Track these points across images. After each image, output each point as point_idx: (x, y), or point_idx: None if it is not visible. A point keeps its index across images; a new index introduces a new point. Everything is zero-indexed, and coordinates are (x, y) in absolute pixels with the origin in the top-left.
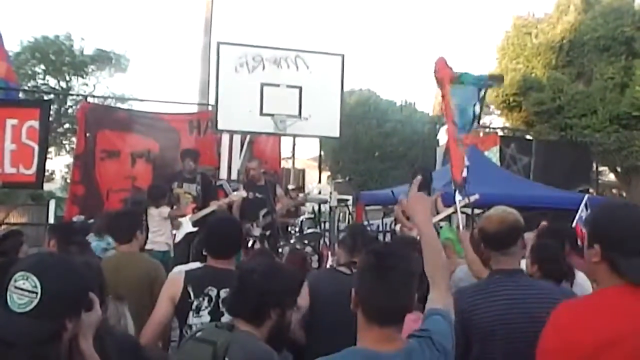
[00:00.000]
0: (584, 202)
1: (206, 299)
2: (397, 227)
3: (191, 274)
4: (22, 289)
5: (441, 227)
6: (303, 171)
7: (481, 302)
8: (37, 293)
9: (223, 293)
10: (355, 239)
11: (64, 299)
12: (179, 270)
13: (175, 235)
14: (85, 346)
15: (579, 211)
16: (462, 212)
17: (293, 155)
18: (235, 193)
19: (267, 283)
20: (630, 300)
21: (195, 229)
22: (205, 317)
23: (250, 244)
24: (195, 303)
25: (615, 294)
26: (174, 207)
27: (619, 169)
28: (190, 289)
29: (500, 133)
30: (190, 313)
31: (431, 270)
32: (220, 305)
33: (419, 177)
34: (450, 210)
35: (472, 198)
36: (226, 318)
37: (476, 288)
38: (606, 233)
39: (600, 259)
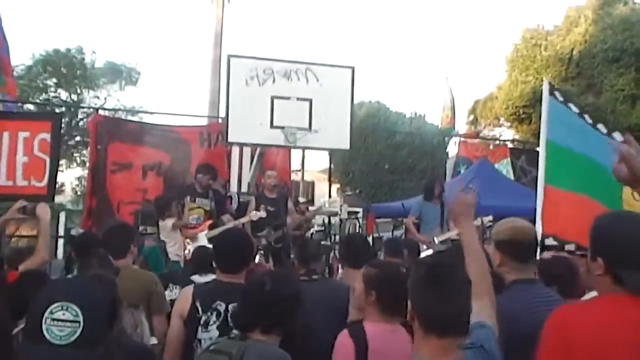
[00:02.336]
0: None
1: (214, 313)
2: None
3: (199, 289)
4: (62, 320)
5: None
6: (312, 183)
7: (521, 310)
8: (79, 322)
9: (232, 308)
10: (303, 250)
11: (104, 323)
12: (188, 286)
13: (189, 249)
14: None
15: None
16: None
17: (302, 167)
18: (254, 212)
19: (277, 295)
20: (629, 308)
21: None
22: (214, 331)
23: (258, 258)
24: (203, 318)
25: (615, 300)
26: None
27: None
28: (198, 304)
29: (510, 145)
30: (199, 328)
31: (474, 280)
32: (229, 320)
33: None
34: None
35: (486, 219)
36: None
37: (512, 295)
38: (609, 246)
39: (603, 272)
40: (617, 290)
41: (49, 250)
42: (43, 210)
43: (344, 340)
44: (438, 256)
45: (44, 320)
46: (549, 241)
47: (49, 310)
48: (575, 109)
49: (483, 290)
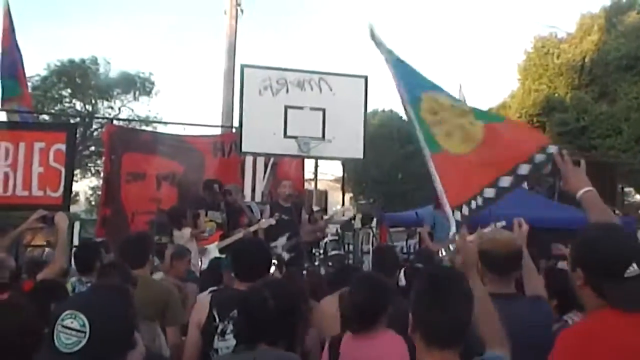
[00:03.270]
0: None
1: (231, 322)
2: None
3: (217, 297)
4: (70, 328)
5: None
6: (325, 193)
7: None
8: (85, 332)
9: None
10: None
11: (112, 339)
12: (205, 295)
13: (202, 261)
14: None
15: None
16: None
17: (315, 176)
18: (263, 220)
19: (282, 309)
20: (619, 325)
21: (222, 256)
22: (231, 340)
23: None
24: (220, 327)
25: (604, 319)
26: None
27: None
28: (215, 312)
29: None
30: (216, 337)
31: (484, 329)
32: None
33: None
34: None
35: (499, 225)
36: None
37: None
38: (588, 257)
39: (583, 282)
40: (598, 302)
41: (67, 258)
42: (61, 219)
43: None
44: (440, 268)
45: (56, 327)
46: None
47: (60, 317)
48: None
49: (498, 339)
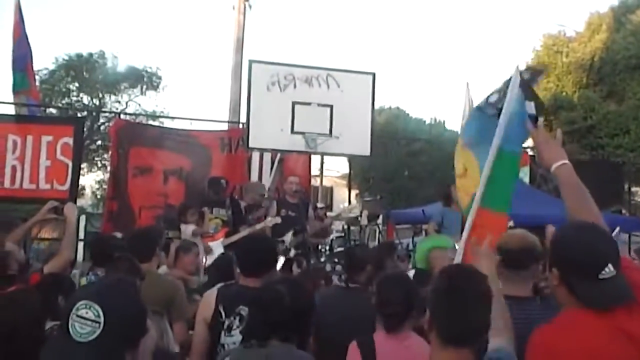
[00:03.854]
0: (616, 231)
1: (237, 318)
2: None
3: (223, 293)
4: (84, 318)
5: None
6: (331, 189)
7: None
8: (99, 323)
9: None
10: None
11: (126, 329)
12: (212, 290)
13: (206, 259)
14: None
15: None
16: None
17: (321, 173)
18: (270, 219)
19: (296, 306)
20: (594, 324)
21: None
22: (237, 336)
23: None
24: (226, 322)
25: (575, 317)
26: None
27: None
28: (221, 308)
29: (530, 152)
30: (222, 332)
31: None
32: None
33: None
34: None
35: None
36: None
37: None
38: (563, 257)
39: (559, 282)
40: (572, 301)
41: (73, 249)
42: (70, 210)
43: (351, 351)
44: (459, 267)
45: (71, 316)
46: None
47: (75, 307)
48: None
49: (500, 327)
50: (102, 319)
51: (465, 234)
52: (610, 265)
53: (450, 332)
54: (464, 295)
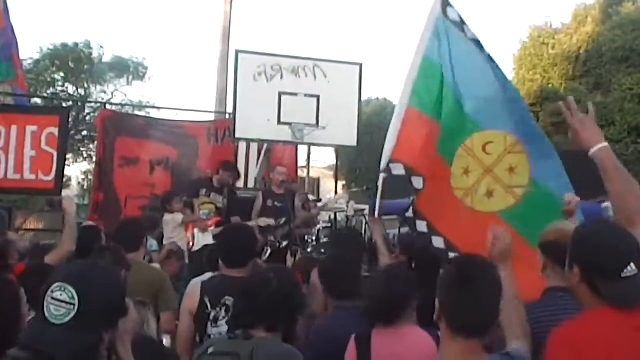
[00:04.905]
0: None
1: (223, 308)
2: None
3: (207, 285)
4: (59, 300)
5: None
6: (318, 180)
7: (544, 319)
8: (74, 305)
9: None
10: None
11: (101, 310)
12: (196, 282)
13: (194, 242)
14: (124, 353)
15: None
16: None
17: (308, 164)
18: (262, 219)
19: (284, 292)
20: (617, 322)
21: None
22: (223, 327)
23: (267, 254)
24: (212, 314)
25: (599, 316)
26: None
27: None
28: (207, 300)
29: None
30: (209, 324)
31: (509, 324)
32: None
33: None
34: None
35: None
36: None
37: (540, 304)
38: (585, 256)
39: (580, 280)
40: (595, 301)
41: (74, 241)
42: (68, 203)
43: (350, 346)
44: (470, 257)
45: (46, 299)
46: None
47: (50, 289)
48: (470, 34)
49: (519, 332)
50: (76, 301)
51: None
52: (632, 264)
53: (460, 322)
54: (475, 286)
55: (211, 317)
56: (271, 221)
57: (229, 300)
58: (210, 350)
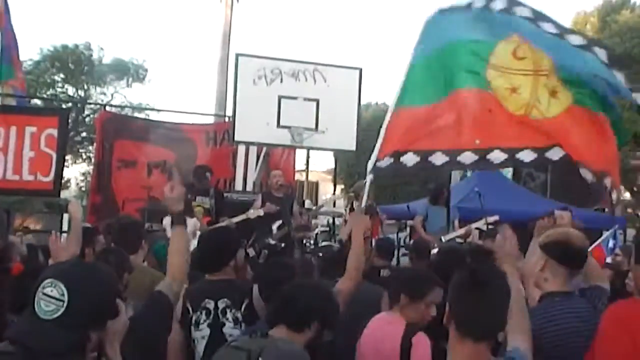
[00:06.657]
0: (612, 231)
1: (204, 312)
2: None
3: (190, 289)
4: (49, 296)
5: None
6: (317, 184)
7: (548, 324)
8: (64, 301)
9: (221, 304)
10: None
11: (91, 309)
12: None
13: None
14: (112, 354)
15: (605, 237)
16: (476, 228)
17: (307, 168)
18: (252, 211)
19: (317, 296)
20: None
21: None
22: (205, 330)
23: (265, 256)
24: (194, 317)
25: None
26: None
27: (635, 189)
28: (188, 304)
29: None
30: (192, 327)
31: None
32: (220, 317)
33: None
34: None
35: (491, 219)
36: (227, 329)
37: (538, 310)
38: None
39: None
40: None
41: (79, 245)
42: (75, 207)
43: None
44: (482, 263)
45: (37, 294)
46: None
47: (42, 285)
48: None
49: (521, 327)
50: (66, 298)
51: None
52: None
53: (469, 326)
54: (485, 292)
55: (193, 321)
56: (261, 212)
57: (209, 303)
58: (232, 344)
